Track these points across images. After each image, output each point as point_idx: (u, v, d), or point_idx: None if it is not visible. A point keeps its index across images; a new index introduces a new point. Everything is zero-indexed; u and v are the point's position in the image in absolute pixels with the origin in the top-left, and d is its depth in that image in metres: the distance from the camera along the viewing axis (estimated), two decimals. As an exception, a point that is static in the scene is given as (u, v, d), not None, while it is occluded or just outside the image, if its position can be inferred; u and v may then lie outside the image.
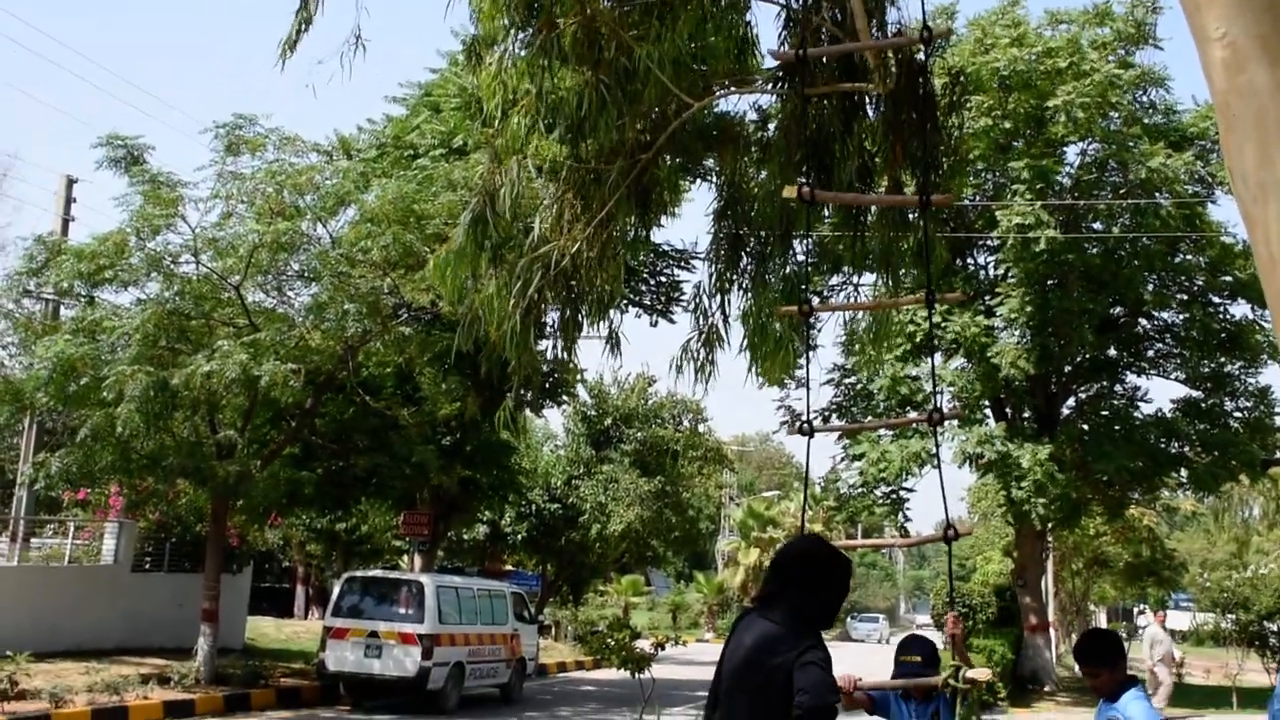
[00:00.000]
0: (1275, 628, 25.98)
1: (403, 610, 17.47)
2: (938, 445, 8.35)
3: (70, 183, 22.71)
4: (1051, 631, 28.00)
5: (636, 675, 5.09)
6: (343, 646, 17.21)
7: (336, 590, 18.32)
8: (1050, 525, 24.44)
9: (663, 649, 5.89)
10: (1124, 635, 43.52)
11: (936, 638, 8.65)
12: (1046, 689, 23.67)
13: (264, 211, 16.48)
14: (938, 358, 23.12)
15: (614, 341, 8.78)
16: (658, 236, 31.43)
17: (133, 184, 16.32)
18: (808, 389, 6.29)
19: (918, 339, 21.71)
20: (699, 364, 8.76)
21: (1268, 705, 6.60)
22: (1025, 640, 24.93)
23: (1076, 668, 7.11)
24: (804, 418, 5.96)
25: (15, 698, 13.78)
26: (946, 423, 21.44)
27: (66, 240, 18.02)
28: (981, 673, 6.08)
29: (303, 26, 7.86)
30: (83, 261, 16.01)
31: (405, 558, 30.66)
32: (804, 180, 6.69)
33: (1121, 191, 22.30)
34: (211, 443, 17.37)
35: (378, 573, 20.75)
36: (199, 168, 20.81)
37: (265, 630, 25.52)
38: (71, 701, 13.96)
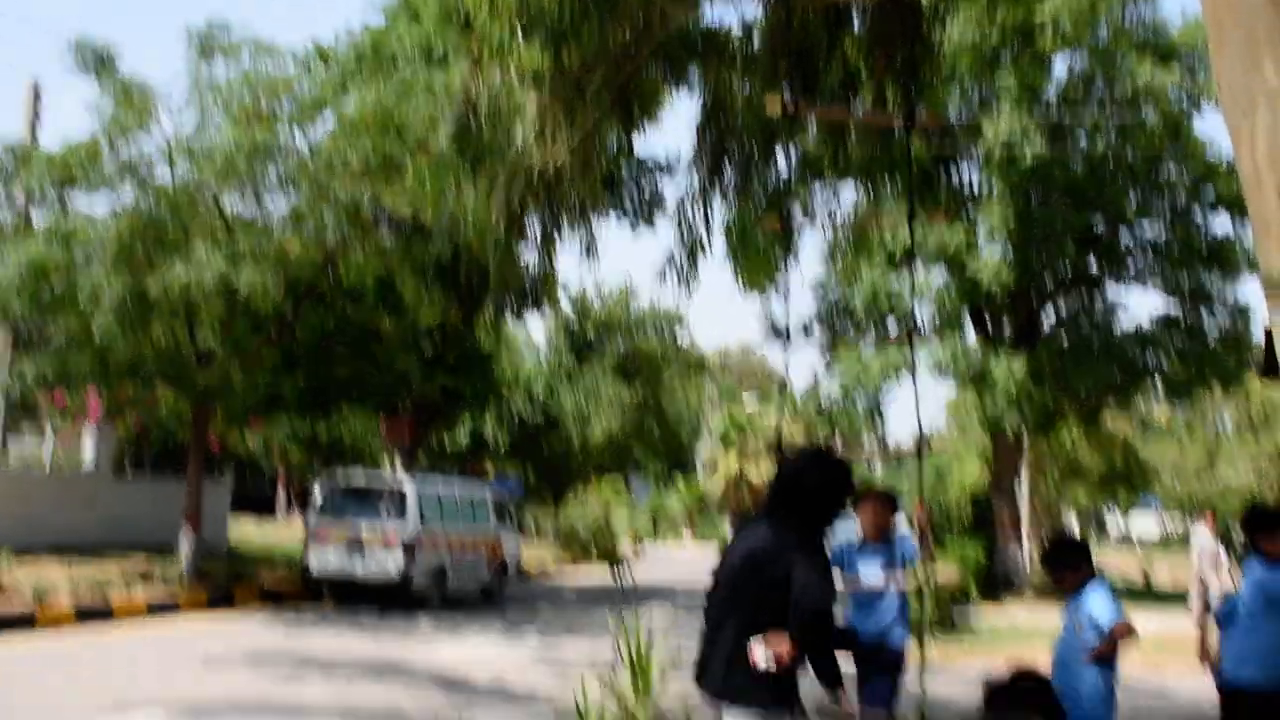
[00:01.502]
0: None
1: (385, 514, 17.67)
2: (914, 358, 8.45)
3: (37, 89, 22.27)
4: (1024, 536, 28.54)
5: (617, 574, 5.26)
6: (326, 549, 17.43)
7: (319, 494, 18.50)
8: (1026, 433, 24.78)
9: (641, 542, 6.07)
10: (1094, 540, 44.40)
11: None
12: (1018, 590, 24.22)
13: (240, 119, 16.23)
14: (918, 269, 23.18)
15: (591, 248, 8.78)
16: (640, 147, 31.16)
17: (103, 90, 16.04)
18: (788, 297, 6.36)
19: (895, 252, 21.72)
20: (682, 272, 8.80)
21: (1223, 600, 6.88)
22: (999, 544, 25.44)
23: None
24: (772, 325, 6.06)
25: (-1, 595, 13.99)
26: (924, 335, 21.64)
27: (36, 147, 17.73)
28: (947, 572, 6.39)
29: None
30: (54, 168, 15.80)
31: (387, 462, 30.87)
32: (788, 93, 6.68)
33: (1107, 106, 22.20)
34: (191, 350, 17.35)
35: (360, 476, 20.94)
36: (173, 74, 20.41)
37: (248, 533, 25.78)
38: (56, 599, 14.15)
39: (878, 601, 6.42)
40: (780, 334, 6.79)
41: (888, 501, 6.57)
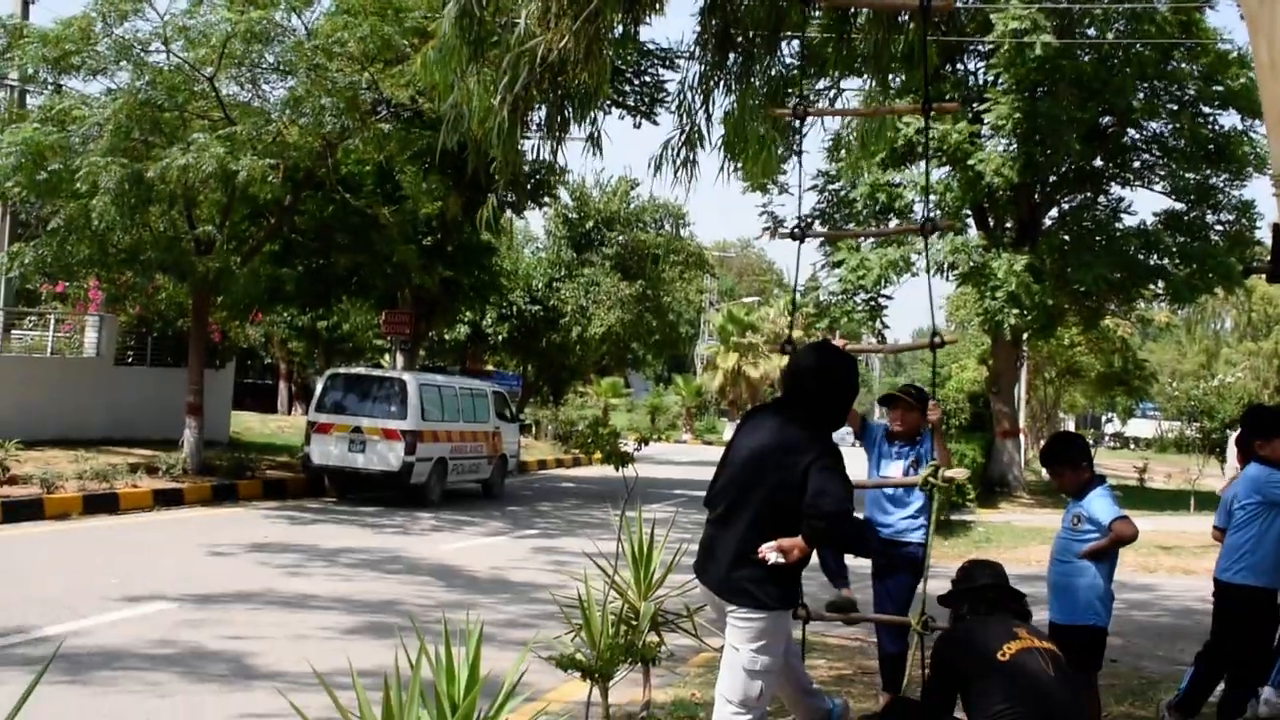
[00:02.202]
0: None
1: (386, 407, 17.74)
2: (928, 255, 8.35)
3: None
4: (1021, 437, 28.73)
5: (620, 470, 5.25)
6: (327, 441, 17.53)
7: (320, 387, 18.54)
8: (1025, 335, 24.76)
9: (646, 444, 6.06)
10: (1091, 441, 44.72)
11: None
12: (1014, 492, 24.44)
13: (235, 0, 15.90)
14: (920, 164, 22.91)
15: (596, 141, 8.59)
16: (644, 35, 30.53)
17: (95, -35, 15.66)
18: (800, 192, 6.29)
19: (898, 145, 21.40)
20: (680, 164, 8.61)
21: (1219, 505, 6.90)
22: (996, 445, 25.59)
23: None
24: (792, 222, 5.96)
25: (7, 483, 14.09)
26: (919, 233, 21.40)
27: (28, 24, 17.37)
28: (959, 472, 6.31)
29: None
30: (47, 46, 15.49)
31: (387, 356, 30.94)
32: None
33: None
34: (190, 238, 17.23)
35: (361, 369, 20.93)
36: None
37: (249, 425, 25.92)
38: (63, 487, 14.26)
39: (901, 500, 6.39)
40: (791, 230, 6.63)
41: (917, 401, 6.45)
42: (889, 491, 6.39)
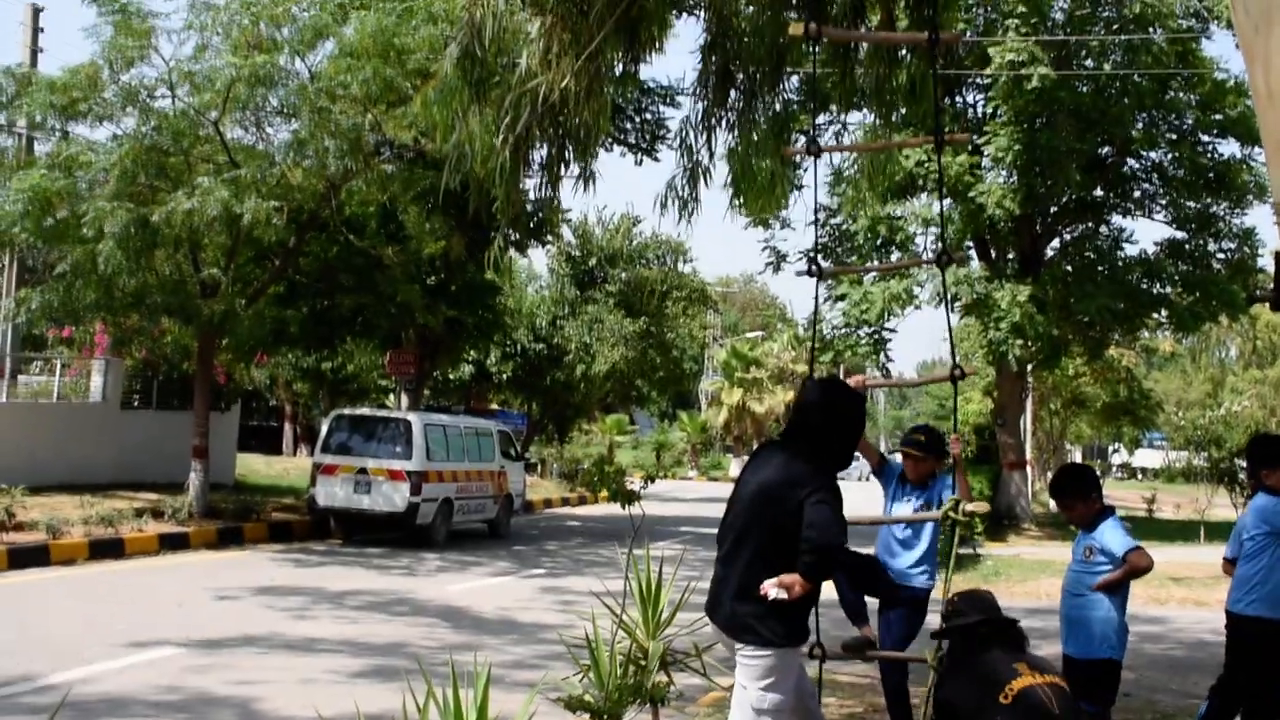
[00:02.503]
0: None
1: (391, 447, 17.71)
2: (945, 287, 8.33)
3: (36, 11, 21.98)
4: (1028, 469, 28.63)
5: (626, 508, 5.23)
6: (332, 482, 17.49)
7: (325, 428, 18.52)
8: (1030, 366, 24.72)
9: (651, 482, 6.04)
10: (1099, 472, 44.51)
11: None
12: (1022, 524, 24.31)
13: (240, 44, 16.02)
14: (921, 197, 22.98)
15: (588, 177, 8.62)
16: (645, 73, 30.77)
17: (102, 14, 15.81)
18: (815, 228, 6.29)
19: (899, 179, 21.47)
20: (683, 201, 8.64)
21: (1231, 536, 6.85)
22: (1003, 477, 25.49)
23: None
24: (794, 256, 5.97)
25: (13, 529, 14.04)
26: (935, 264, 21.42)
27: (36, 72, 17.51)
28: (979, 506, 6.29)
29: None
30: (55, 93, 15.62)
31: (391, 397, 30.91)
32: (805, 15, 6.53)
33: (1115, 27, 21.85)
34: (195, 281, 17.30)
35: (366, 410, 20.91)
36: (171, -2, 20.14)
37: (255, 467, 25.88)
38: (68, 533, 14.23)
39: (909, 543, 6.36)
40: (809, 269, 6.64)
41: (928, 448, 6.38)
42: (898, 535, 6.36)
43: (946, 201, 22.46)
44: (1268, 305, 26.49)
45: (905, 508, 6.36)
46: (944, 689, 4.76)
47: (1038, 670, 4.54)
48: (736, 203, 8.92)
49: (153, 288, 16.64)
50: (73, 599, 11.45)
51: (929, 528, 6.29)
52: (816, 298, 6.82)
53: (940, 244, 6.87)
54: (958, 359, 6.42)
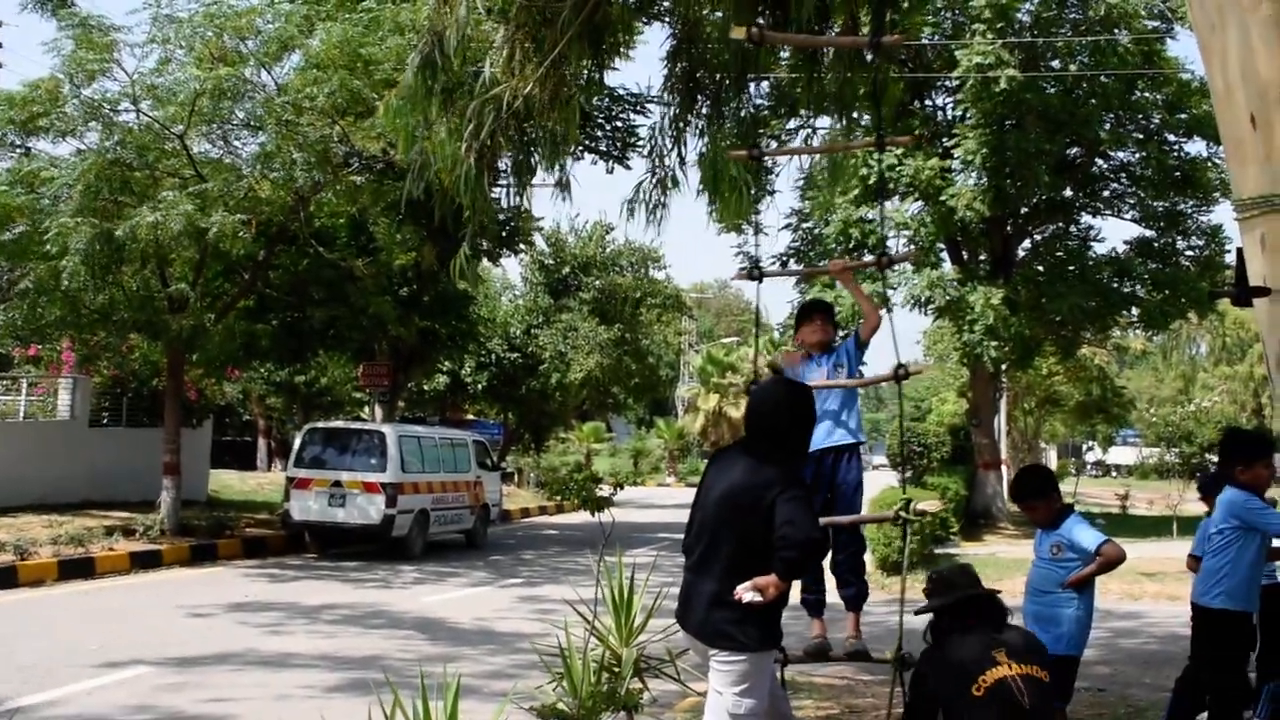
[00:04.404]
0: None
1: (366, 460, 17.63)
2: (885, 288, 8.38)
3: (-3, 28, 21.80)
4: (1003, 468, 28.74)
5: (597, 516, 5.20)
6: (307, 496, 17.39)
7: (298, 442, 18.41)
8: (1004, 366, 24.84)
9: (621, 489, 6.01)
10: (1072, 471, 44.80)
11: (892, 477, 8.76)
12: (998, 524, 24.40)
13: (204, 57, 15.91)
14: (894, 201, 23.03)
15: (564, 185, 8.59)
16: (612, 80, 30.80)
17: (62, 28, 15.67)
18: (758, 233, 6.32)
19: (870, 182, 21.55)
20: (651, 207, 8.62)
21: (1197, 529, 6.88)
22: (978, 477, 25.59)
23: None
24: (765, 262, 6.03)
25: (-21, 551, 13.87)
26: (899, 266, 21.48)
27: (-4, 87, 17.35)
28: (931, 504, 6.32)
29: None
30: (14, 108, 15.48)
31: (366, 409, 30.78)
32: (757, 20, 6.55)
33: (1081, 28, 22.01)
34: (163, 296, 17.15)
35: (340, 423, 20.80)
36: (131, 10, 19.97)
37: (228, 483, 25.68)
38: (36, 554, 14.06)
39: (837, 414, 6.36)
40: (749, 271, 6.65)
41: (823, 314, 6.65)
42: (830, 409, 6.32)
43: (919, 204, 22.55)
44: (1229, 301, 26.67)
45: (819, 373, 6.37)
46: (925, 667, 4.78)
47: (1015, 658, 4.52)
48: (711, 209, 8.92)
49: (119, 304, 16.49)
50: (42, 620, 11.31)
51: (847, 393, 6.38)
52: (758, 300, 6.84)
53: (883, 247, 6.95)
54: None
